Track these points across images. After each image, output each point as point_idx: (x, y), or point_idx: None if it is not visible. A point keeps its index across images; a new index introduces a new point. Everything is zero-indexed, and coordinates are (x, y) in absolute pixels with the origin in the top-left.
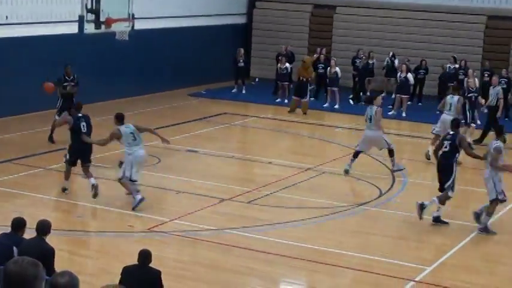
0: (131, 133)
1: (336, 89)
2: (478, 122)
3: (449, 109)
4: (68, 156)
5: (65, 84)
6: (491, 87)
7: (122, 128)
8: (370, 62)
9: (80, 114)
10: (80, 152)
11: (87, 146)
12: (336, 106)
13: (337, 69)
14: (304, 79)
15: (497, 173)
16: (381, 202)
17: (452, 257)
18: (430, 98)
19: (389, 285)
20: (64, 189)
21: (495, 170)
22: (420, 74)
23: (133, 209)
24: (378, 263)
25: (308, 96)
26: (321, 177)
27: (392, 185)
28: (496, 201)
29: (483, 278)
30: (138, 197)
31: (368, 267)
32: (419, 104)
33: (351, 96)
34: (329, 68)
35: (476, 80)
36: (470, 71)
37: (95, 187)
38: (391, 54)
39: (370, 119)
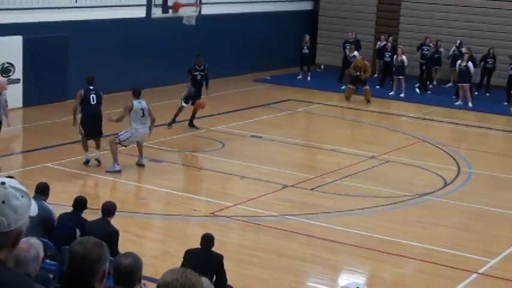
0: (141, 109)
1: (402, 77)
2: None
3: None
4: (82, 130)
5: (195, 73)
6: None
7: (135, 102)
8: (438, 50)
9: (91, 87)
10: (89, 125)
11: (95, 118)
12: (402, 95)
13: (404, 57)
14: (358, 73)
15: None
16: (445, 192)
17: None
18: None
19: (452, 277)
20: (87, 162)
21: None
22: (488, 63)
23: (106, 171)
24: (442, 254)
25: (367, 83)
26: (384, 166)
27: (457, 176)
28: None
29: None
30: (118, 167)
31: (431, 257)
32: (487, 94)
33: (417, 85)
34: (395, 56)
35: None
36: None
37: (97, 161)
38: (458, 42)
39: None
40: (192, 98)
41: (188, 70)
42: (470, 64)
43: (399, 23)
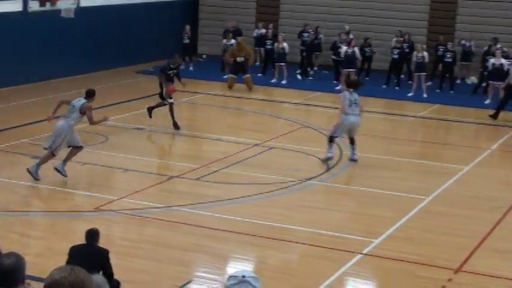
0: (73, 106)
1: (283, 64)
2: None
3: None
4: None
5: (169, 72)
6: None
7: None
8: (318, 37)
9: None
10: None
11: None
12: (284, 81)
13: (285, 44)
14: (241, 58)
15: None
16: (328, 176)
17: (398, 230)
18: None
19: (337, 259)
20: None
21: None
22: (367, 52)
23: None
24: (326, 236)
25: (249, 71)
26: (269, 152)
27: (339, 160)
28: None
29: (429, 250)
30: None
31: (317, 241)
32: (367, 78)
33: (298, 71)
34: (276, 43)
35: (425, 53)
36: (418, 45)
37: None
38: (347, 28)
39: (356, 104)
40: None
41: (162, 69)
42: (356, 49)
43: (279, 10)
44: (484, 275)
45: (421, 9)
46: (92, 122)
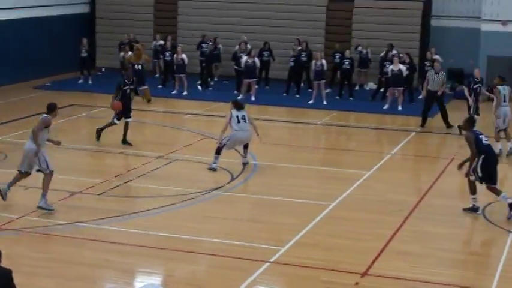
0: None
1: (183, 75)
2: None
3: (505, 100)
4: None
5: (125, 88)
6: (434, 72)
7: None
8: (217, 47)
9: None
10: None
11: None
12: (184, 93)
13: (184, 55)
14: (139, 66)
15: None
16: (233, 186)
17: (305, 236)
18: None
19: (245, 268)
20: None
21: None
22: (264, 56)
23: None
24: (234, 246)
25: (146, 83)
26: (172, 164)
27: (243, 169)
28: None
29: (335, 255)
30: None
31: (224, 251)
32: (267, 87)
33: (198, 82)
34: (175, 55)
35: (323, 61)
36: (317, 53)
37: None
38: (245, 38)
39: (244, 120)
40: (123, 113)
41: (118, 85)
42: (256, 59)
43: (177, 22)
44: (388, 277)
45: (317, 17)
46: (35, 130)
